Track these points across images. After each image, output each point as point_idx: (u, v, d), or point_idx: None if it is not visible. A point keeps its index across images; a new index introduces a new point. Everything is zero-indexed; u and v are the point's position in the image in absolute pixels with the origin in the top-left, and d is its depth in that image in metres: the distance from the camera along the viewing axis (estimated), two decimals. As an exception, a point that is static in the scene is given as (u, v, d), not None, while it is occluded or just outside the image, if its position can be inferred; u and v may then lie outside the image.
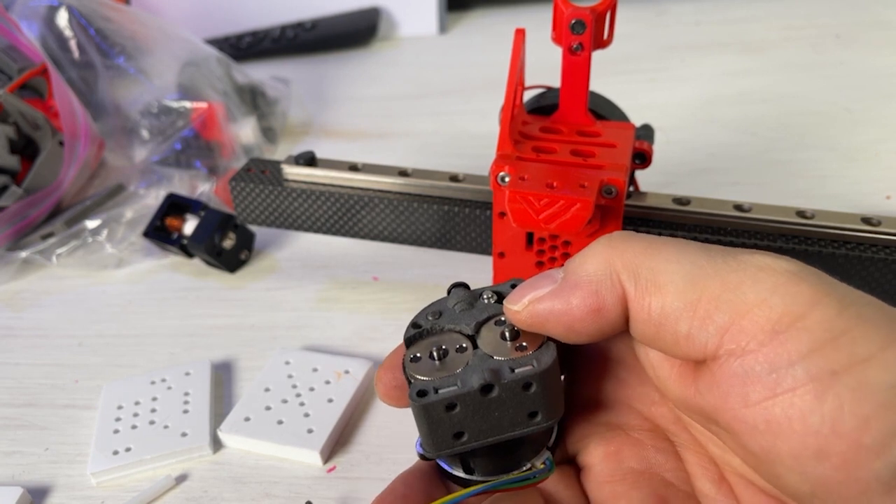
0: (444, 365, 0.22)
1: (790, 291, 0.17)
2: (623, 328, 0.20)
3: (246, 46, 0.83)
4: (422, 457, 0.23)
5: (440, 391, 0.20)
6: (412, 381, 0.21)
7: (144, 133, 0.62)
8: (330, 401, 0.38)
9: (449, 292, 0.25)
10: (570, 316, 0.20)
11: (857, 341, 0.16)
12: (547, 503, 0.23)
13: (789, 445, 0.17)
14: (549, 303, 0.20)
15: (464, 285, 0.25)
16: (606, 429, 0.24)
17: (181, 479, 0.36)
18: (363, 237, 0.47)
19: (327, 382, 0.40)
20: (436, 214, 0.44)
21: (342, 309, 0.47)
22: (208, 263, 0.52)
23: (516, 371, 0.20)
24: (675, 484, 0.23)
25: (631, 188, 0.43)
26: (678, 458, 0.23)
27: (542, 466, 0.22)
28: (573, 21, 0.36)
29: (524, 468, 0.22)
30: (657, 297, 0.19)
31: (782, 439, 0.17)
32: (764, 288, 0.17)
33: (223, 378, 0.42)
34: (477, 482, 0.22)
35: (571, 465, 0.25)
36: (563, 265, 0.21)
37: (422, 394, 0.20)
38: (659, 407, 0.23)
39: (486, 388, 0.20)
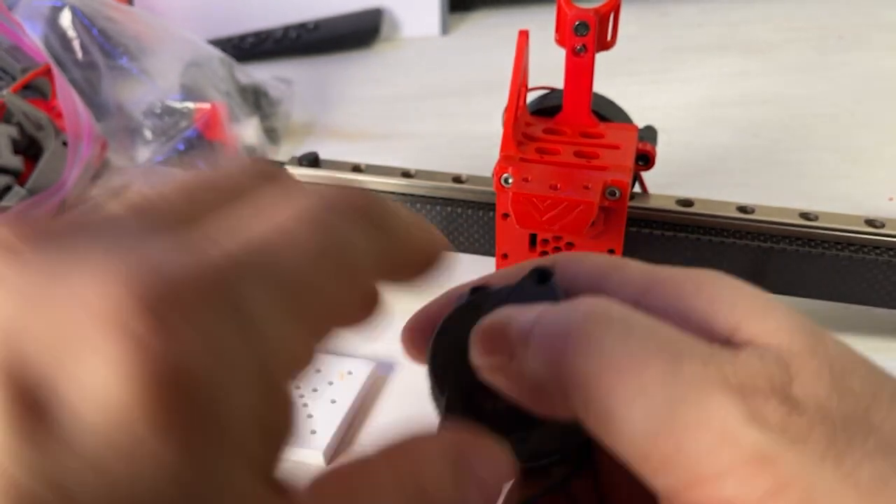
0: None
1: (749, 477, 0.14)
2: None
3: (249, 47, 0.83)
4: None
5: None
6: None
7: (147, 133, 0.62)
8: (333, 402, 0.38)
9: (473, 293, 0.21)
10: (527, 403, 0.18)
11: None
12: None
13: None
14: (506, 384, 0.18)
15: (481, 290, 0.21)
16: None
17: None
18: (366, 238, 0.47)
19: (330, 383, 0.40)
20: (439, 216, 0.44)
21: (345, 310, 0.47)
22: (211, 264, 0.52)
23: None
24: None
25: (637, 189, 0.43)
26: None
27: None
28: (577, 23, 0.36)
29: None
30: (607, 436, 0.16)
31: None
32: (721, 464, 0.15)
33: (226, 379, 0.42)
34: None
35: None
36: (528, 332, 0.18)
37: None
38: None
39: None
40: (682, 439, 0.15)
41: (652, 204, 0.41)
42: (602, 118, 0.41)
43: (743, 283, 0.18)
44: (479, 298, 0.21)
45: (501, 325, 0.18)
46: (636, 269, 0.19)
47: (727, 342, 0.17)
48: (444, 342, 0.20)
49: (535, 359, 0.17)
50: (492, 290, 0.21)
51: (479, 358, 0.18)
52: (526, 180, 0.35)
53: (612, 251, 0.39)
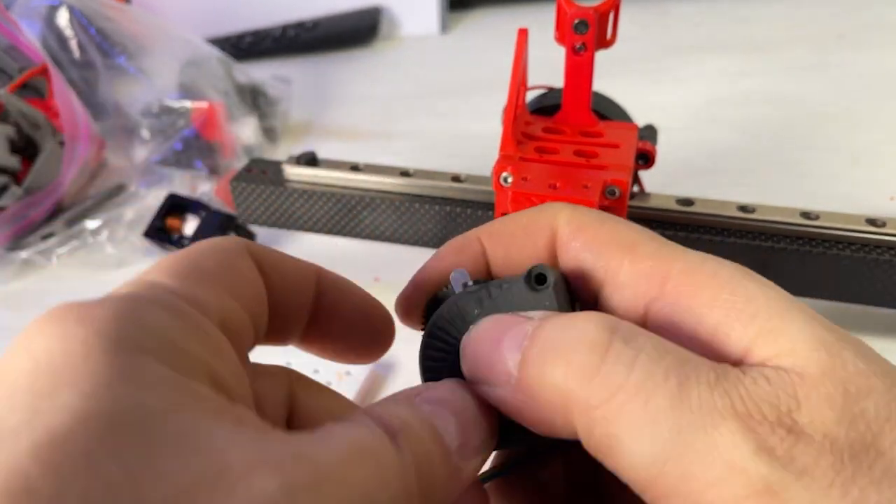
0: None
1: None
2: None
3: (247, 46, 0.83)
4: None
5: None
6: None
7: (145, 133, 0.62)
8: (331, 402, 0.38)
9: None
10: (520, 423, 0.18)
11: None
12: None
13: None
14: (500, 403, 0.18)
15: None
16: None
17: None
18: (364, 238, 0.46)
19: (328, 384, 0.39)
20: (437, 215, 0.44)
21: (343, 310, 0.47)
22: (209, 264, 0.51)
23: None
24: None
25: (636, 188, 0.43)
26: None
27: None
28: (576, 21, 0.36)
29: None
30: (610, 460, 0.16)
31: None
32: (727, 495, 0.15)
33: (224, 379, 0.42)
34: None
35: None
36: (522, 345, 0.18)
37: None
38: None
39: None
40: (689, 469, 0.15)
41: (652, 203, 0.41)
42: (602, 117, 0.40)
43: (763, 285, 0.17)
44: (474, 295, 0.20)
45: (494, 344, 0.18)
46: (647, 259, 0.19)
47: (739, 362, 0.16)
48: (438, 336, 0.21)
49: (535, 383, 0.17)
50: (489, 287, 0.20)
51: (471, 377, 0.19)
52: (525, 179, 0.35)
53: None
